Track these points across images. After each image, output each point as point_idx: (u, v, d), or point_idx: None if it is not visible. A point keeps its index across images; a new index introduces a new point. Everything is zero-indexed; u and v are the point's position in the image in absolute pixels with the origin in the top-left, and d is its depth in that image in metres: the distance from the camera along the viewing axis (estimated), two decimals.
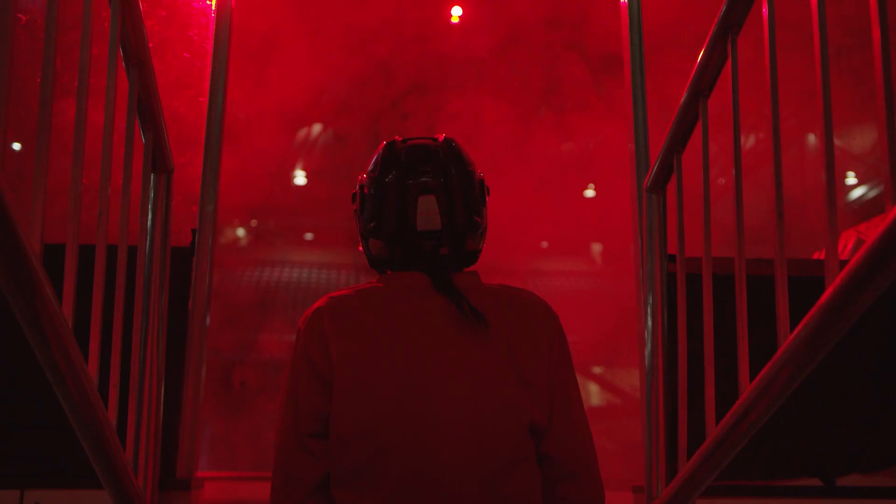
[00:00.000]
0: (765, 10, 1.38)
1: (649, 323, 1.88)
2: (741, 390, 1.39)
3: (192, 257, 1.98)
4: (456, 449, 1.33)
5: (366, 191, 1.53)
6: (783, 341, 1.26)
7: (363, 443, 1.34)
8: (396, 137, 1.57)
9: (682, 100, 1.70)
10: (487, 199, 1.56)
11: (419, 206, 1.46)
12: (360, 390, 1.35)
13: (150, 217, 1.74)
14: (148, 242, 1.76)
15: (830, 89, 1.28)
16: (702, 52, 1.60)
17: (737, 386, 1.41)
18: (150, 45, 1.63)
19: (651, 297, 1.87)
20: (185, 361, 1.95)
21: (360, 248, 1.57)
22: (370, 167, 1.55)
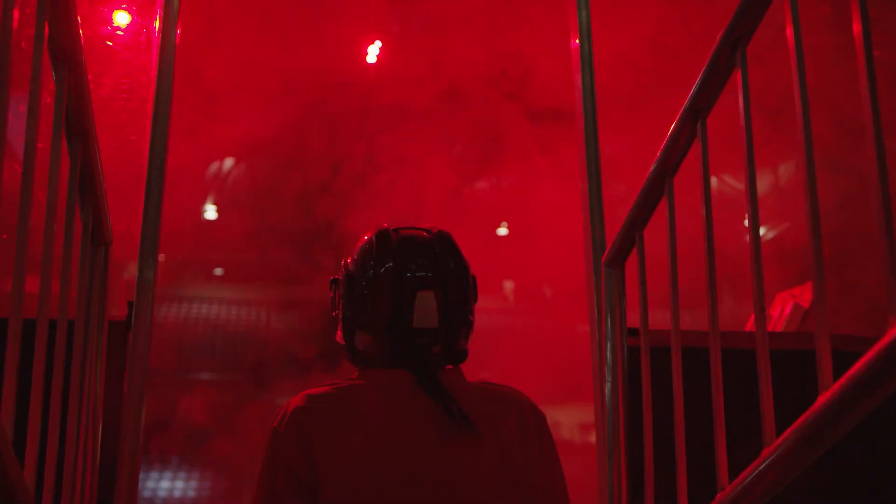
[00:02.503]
0: (741, 97, 1.37)
1: (608, 401, 1.84)
2: (720, 485, 1.35)
3: (128, 332, 1.86)
4: None
5: (355, 280, 1.45)
6: (769, 442, 1.23)
7: None
8: (387, 226, 1.50)
9: (648, 176, 1.68)
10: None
11: (417, 302, 1.39)
12: (348, 501, 1.26)
13: (87, 293, 1.62)
14: (86, 319, 1.64)
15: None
16: (669, 133, 1.59)
17: (708, 470, 1.37)
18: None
19: (610, 374, 1.84)
20: (118, 443, 1.82)
21: (339, 337, 1.48)
22: (360, 255, 1.47)
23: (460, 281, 1.43)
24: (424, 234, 1.47)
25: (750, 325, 2.82)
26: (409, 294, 1.38)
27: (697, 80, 1.50)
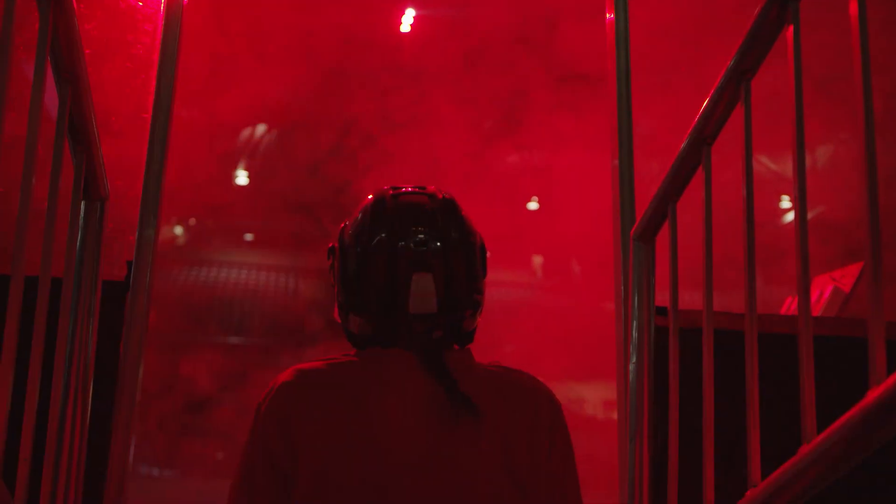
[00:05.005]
0: (791, 58, 1.23)
1: (632, 383, 1.72)
2: (751, 482, 1.23)
3: (126, 293, 1.76)
4: None
5: (347, 252, 1.29)
6: (809, 438, 1.10)
7: None
8: (388, 190, 1.33)
9: (684, 145, 1.55)
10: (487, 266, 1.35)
11: (413, 285, 1.23)
12: (326, 493, 1.15)
13: (77, 248, 1.52)
14: (75, 277, 1.54)
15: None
16: (709, 97, 1.46)
17: (736, 464, 1.26)
18: (87, 51, 1.42)
19: (636, 355, 1.71)
20: (113, 414, 1.73)
21: (336, 315, 1.36)
22: (354, 223, 1.31)
23: (465, 257, 1.27)
24: (426, 199, 1.30)
25: (786, 310, 2.68)
26: (405, 275, 1.23)
27: (743, 39, 1.36)
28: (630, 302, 1.75)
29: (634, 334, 1.72)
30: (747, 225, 1.30)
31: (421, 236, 1.25)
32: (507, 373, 1.29)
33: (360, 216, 1.31)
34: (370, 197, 1.33)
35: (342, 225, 1.35)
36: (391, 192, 1.32)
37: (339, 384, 1.20)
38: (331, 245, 1.35)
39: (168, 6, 1.89)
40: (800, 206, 1.18)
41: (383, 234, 1.26)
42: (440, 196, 1.32)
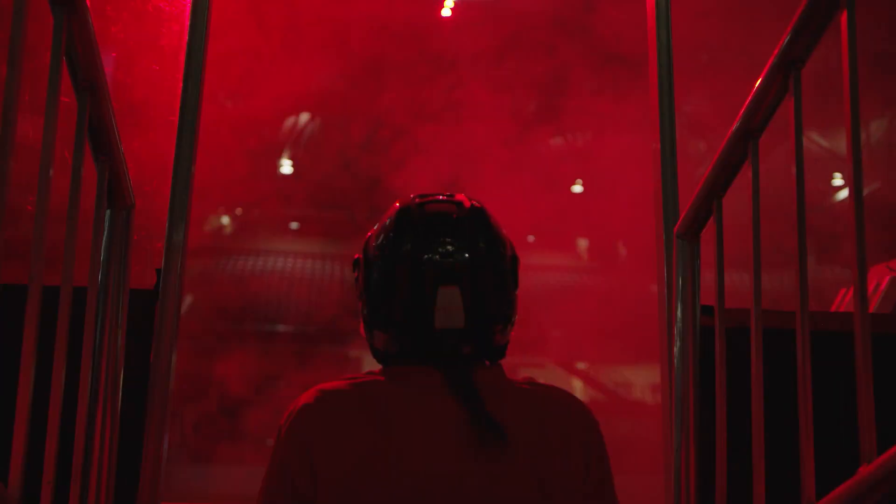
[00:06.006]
0: (844, 42, 1.14)
1: (677, 391, 1.64)
2: (805, 500, 1.16)
3: (156, 302, 1.73)
4: None
5: (371, 264, 1.23)
6: (869, 458, 1.02)
7: None
8: (414, 198, 1.27)
9: (728, 139, 1.47)
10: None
11: (439, 299, 1.17)
12: None
13: (102, 259, 1.49)
14: (100, 289, 1.51)
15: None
16: (755, 89, 1.37)
17: (789, 469, 1.18)
18: (113, 55, 1.39)
19: (680, 359, 1.64)
20: (144, 424, 1.70)
21: (362, 330, 1.30)
22: (378, 232, 1.25)
23: (495, 269, 1.20)
24: (454, 208, 1.23)
25: (839, 304, 2.57)
26: (430, 288, 1.16)
27: (791, 26, 1.28)
28: (674, 303, 1.67)
29: (678, 339, 1.64)
30: (799, 231, 1.21)
31: (448, 247, 1.19)
32: (539, 391, 1.23)
33: (384, 226, 1.25)
34: (396, 205, 1.27)
35: (368, 235, 1.29)
36: (417, 200, 1.26)
37: (362, 406, 1.15)
38: (356, 256, 1.29)
39: (195, 5, 1.85)
40: (857, 224, 1.09)
41: (408, 246, 1.19)
42: (468, 204, 1.25)
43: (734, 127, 1.43)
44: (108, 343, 1.53)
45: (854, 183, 1.07)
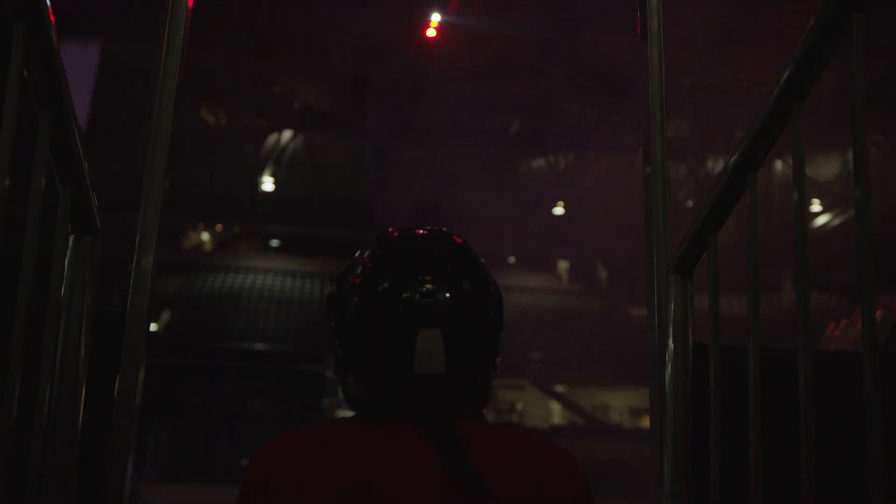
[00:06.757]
0: (855, 73, 1.08)
1: (669, 429, 1.57)
2: None
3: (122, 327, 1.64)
4: None
5: (346, 302, 1.14)
6: None
7: None
8: (392, 231, 1.19)
9: (726, 170, 1.42)
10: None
11: (419, 342, 1.08)
12: None
13: (64, 288, 1.41)
14: (64, 318, 1.43)
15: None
16: (756, 122, 1.32)
17: None
18: None
19: (671, 399, 1.56)
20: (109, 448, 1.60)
21: (334, 373, 1.22)
22: (353, 269, 1.17)
23: (479, 310, 1.13)
24: (436, 243, 1.15)
25: (829, 337, 2.51)
26: (410, 331, 1.08)
27: (795, 57, 1.22)
28: (665, 342, 1.60)
29: (668, 381, 1.57)
30: (799, 283, 1.15)
31: (428, 286, 1.10)
32: (521, 438, 1.15)
33: (361, 261, 1.17)
34: (373, 239, 1.19)
35: (343, 269, 1.21)
36: (396, 233, 1.18)
37: (334, 454, 1.06)
38: (330, 292, 1.21)
39: (170, 22, 1.77)
40: (864, 262, 1.03)
41: (386, 284, 1.11)
42: (451, 239, 1.18)
43: (732, 160, 1.38)
44: (67, 375, 1.45)
45: (860, 230, 1.01)
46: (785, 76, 1.23)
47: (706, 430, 1.51)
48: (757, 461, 1.33)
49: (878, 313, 2.46)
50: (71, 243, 1.44)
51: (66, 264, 1.42)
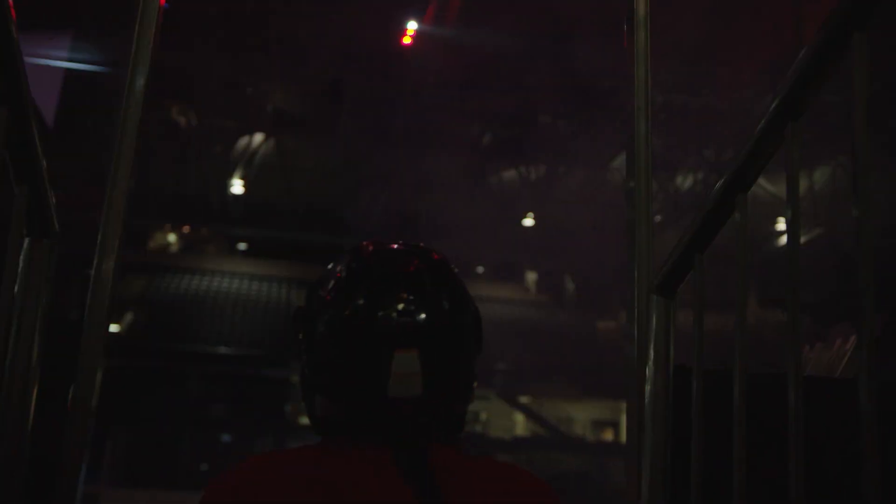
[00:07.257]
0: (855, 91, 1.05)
1: (648, 449, 1.53)
2: None
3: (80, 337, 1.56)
4: None
5: (317, 320, 1.07)
6: None
7: None
8: (367, 246, 1.12)
9: (716, 191, 1.38)
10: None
11: (395, 364, 1.01)
12: None
13: (16, 291, 1.33)
14: (15, 322, 1.36)
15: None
16: (750, 141, 1.28)
17: None
18: None
19: (651, 425, 1.52)
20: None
21: (301, 395, 1.15)
22: (325, 284, 1.09)
23: (457, 331, 1.06)
24: (413, 259, 1.08)
25: (817, 359, 2.48)
26: (385, 352, 1.01)
27: (792, 74, 1.18)
28: (644, 363, 1.56)
29: (648, 404, 1.53)
30: (790, 308, 1.11)
31: (406, 305, 1.04)
32: (499, 470, 1.09)
33: (333, 276, 1.10)
34: (347, 253, 1.12)
35: (313, 284, 1.14)
36: (371, 248, 1.11)
37: (298, 484, 0.99)
38: (299, 307, 1.14)
39: (140, 25, 1.70)
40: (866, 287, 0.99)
41: (360, 301, 1.04)
42: (429, 255, 1.11)
43: (722, 180, 1.34)
44: (17, 379, 1.38)
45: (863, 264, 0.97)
46: (781, 94, 1.19)
47: (684, 452, 1.47)
48: (740, 485, 1.30)
49: (854, 338, 2.43)
50: (26, 245, 1.36)
51: (20, 267, 1.35)
